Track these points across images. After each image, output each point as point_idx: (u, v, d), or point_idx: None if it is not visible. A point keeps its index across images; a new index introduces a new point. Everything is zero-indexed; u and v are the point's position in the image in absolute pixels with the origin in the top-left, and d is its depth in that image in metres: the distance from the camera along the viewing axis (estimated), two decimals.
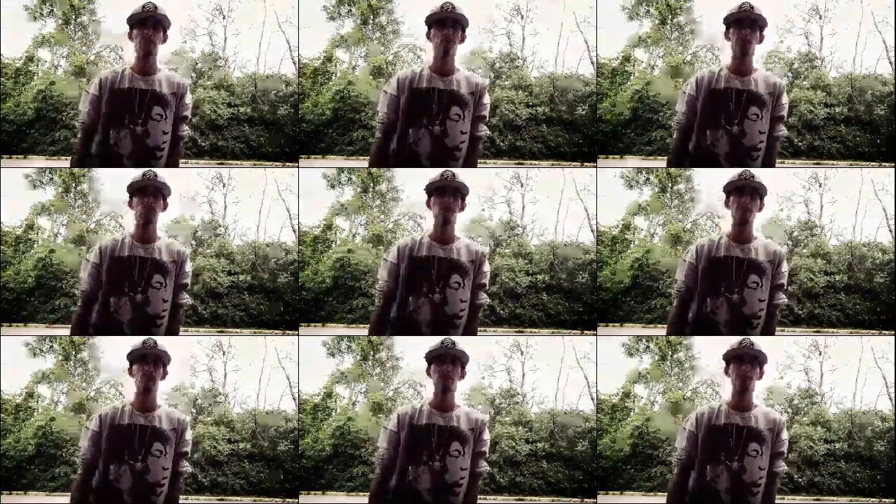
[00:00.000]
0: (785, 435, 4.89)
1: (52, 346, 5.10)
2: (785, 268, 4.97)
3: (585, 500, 5.09)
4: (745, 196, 4.91)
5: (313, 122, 5.18)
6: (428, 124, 5.00)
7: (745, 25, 4.98)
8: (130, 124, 5.02)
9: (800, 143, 5.16)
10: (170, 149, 5.05)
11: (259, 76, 5.18)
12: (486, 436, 4.90)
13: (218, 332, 5.12)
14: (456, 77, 5.05)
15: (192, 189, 5.17)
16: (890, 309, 5.10)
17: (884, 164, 5.13)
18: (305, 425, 5.09)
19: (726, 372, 4.89)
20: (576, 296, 5.14)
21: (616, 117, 5.17)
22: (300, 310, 5.13)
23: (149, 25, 5.02)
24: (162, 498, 4.88)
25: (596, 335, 5.11)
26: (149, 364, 4.88)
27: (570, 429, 5.10)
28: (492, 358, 5.12)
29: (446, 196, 4.93)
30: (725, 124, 5.01)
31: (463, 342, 4.98)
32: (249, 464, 5.10)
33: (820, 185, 5.12)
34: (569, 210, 5.14)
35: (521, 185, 5.15)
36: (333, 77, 5.18)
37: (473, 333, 4.99)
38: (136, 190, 4.95)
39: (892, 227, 5.11)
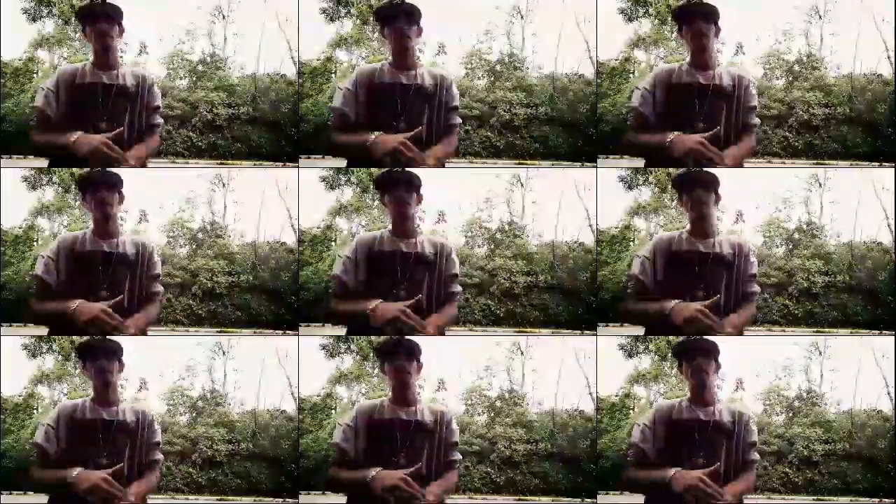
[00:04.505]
0: (753, 426, 4.87)
1: (51, 347, 5.10)
2: (753, 259, 4.91)
3: (585, 500, 5.09)
4: (696, 190, 4.86)
5: (313, 122, 5.17)
6: (393, 121, 4.95)
7: (697, 20, 4.92)
8: (96, 121, 4.94)
9: (798, 143, 5.15)
10: (136, 143, 4.94)
11: (259, 76, 5.17)
12: (455, 426, 4.91)
13: (218, 332, 5.12)
14: (419, 71, 4.98)
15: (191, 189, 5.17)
16: (890, 309, 5.09)
17: (884, 164, 5.12)
18: (305, 425, 5.10)
19: (680, 369, 4.86)
20: (576, 296, 5.14)
21: (616, 117, 5.16)
22: (300, 310, 5.13)
23: (101, 20, 4.90)
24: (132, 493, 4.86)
25: (596, 335, 5.10)
26: (100, 359, 4.84)
27: (570, 429, 5.10)
28: (491, 358, 5.11)
29: (399, 190, 4.89)
30: (690, 122, 4.96)
31: (462, 342, 5.00)
32: (249, 464, 5.11)
33: (820, 186, 5.11)
34: (569, 210, 5.13)
35: (522, 186, 5.14)
36: (333, 77, 5.18)
37: (455, 323, 4.96)
38: (88, 186, 4.85)
39: (892, 227, 5.10)
